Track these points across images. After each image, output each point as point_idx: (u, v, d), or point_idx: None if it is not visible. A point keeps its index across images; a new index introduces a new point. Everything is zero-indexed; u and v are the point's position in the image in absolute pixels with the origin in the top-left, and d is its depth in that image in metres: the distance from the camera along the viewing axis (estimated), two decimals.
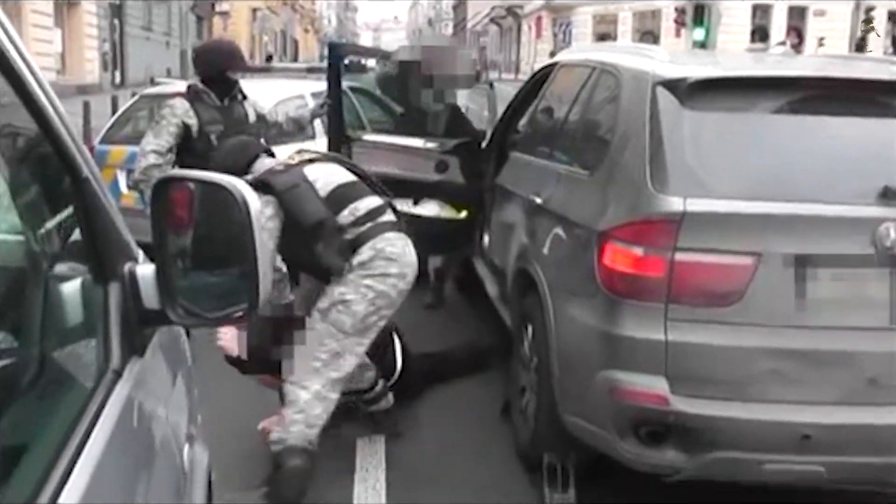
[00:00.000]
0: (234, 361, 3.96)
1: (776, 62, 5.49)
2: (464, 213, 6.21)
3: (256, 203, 1.51)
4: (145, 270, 1.61)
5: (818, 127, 3.42)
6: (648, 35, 42.83)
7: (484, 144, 6.03)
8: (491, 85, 8.68)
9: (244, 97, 5.51)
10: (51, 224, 1.56)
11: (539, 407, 3.86)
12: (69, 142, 1.51)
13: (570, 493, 3.71)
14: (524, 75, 12.41)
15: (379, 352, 4.27)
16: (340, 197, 3.80)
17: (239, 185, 1.51)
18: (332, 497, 3.86)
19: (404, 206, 6.22)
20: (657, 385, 3.17)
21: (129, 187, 5.18)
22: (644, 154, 3.33)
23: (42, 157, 1.52)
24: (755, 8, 42.48)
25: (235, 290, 1.54)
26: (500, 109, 6.07)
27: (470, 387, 5.13)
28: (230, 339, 3.90)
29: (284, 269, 4.02)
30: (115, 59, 30.57)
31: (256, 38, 51.79)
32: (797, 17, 40.80)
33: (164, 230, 1.56)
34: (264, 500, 3.68)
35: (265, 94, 6.94)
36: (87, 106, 12.62)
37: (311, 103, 7.48)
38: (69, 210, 1.58)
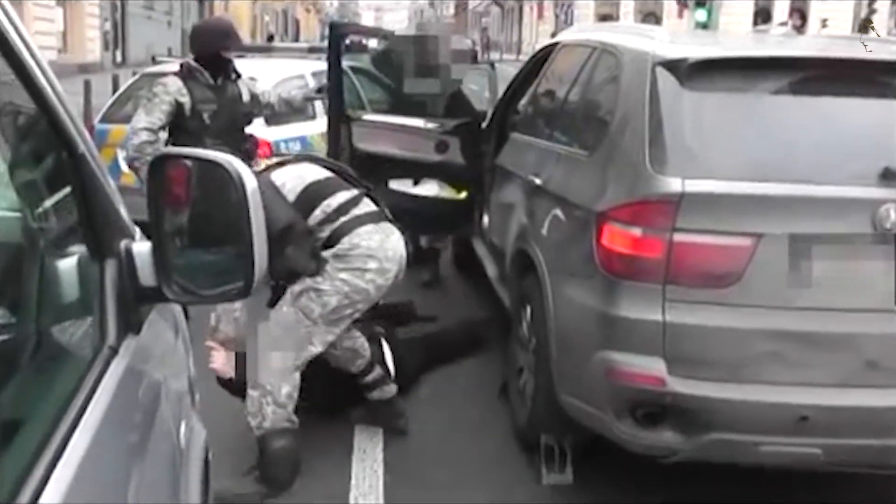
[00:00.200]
0: (226, 384, 4.01)
1: (777, 43, 5.44)
2: (463, 194, 6.21)
3: (253, 182, 1.51)
4: (142, 248, 1.61)
5: (819, 108, 3.40)
6: (650, 16, 42.73)
7: (484, 125, 6.02)
8: (492, 65, 8.64)
9: (238, 76, 5.48)
10: (48, 201, 1.56)
11: (537, 387, 3.87)
12: (66, 119, 1.51)
13: (566, 472, 3.73)
14: (525, 56, 12.33)
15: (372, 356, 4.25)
16: (312, 195, 3.70)
17: (235, 163, 1.51)
18: (330, 477, 3.87)
19: (403, 185, 6.24)
20: (654, 366, 3.17)
21: (128, 165, 5.14)
22: (643, 134, 3.32)
23: (40, 134, 1.52)
24: None
25: (231, 268, 1.54)
26: (501, 90, 6.05)
27: (468, 367, 5.14)
28: (223, 361, 3.93)
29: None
30: (116, 38, 30.54)
31: (258, 18, 51.65)
32: None
33: (160, 208, 1.56)
34: (258, 484, 3.68)
35: (266, 74, 6.92)
36: (87, 85, 12.60)
37: (312, 83, 7.47)
38: (67, 188, 1.58)
